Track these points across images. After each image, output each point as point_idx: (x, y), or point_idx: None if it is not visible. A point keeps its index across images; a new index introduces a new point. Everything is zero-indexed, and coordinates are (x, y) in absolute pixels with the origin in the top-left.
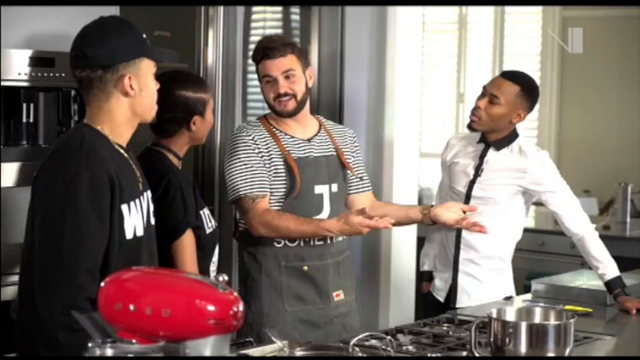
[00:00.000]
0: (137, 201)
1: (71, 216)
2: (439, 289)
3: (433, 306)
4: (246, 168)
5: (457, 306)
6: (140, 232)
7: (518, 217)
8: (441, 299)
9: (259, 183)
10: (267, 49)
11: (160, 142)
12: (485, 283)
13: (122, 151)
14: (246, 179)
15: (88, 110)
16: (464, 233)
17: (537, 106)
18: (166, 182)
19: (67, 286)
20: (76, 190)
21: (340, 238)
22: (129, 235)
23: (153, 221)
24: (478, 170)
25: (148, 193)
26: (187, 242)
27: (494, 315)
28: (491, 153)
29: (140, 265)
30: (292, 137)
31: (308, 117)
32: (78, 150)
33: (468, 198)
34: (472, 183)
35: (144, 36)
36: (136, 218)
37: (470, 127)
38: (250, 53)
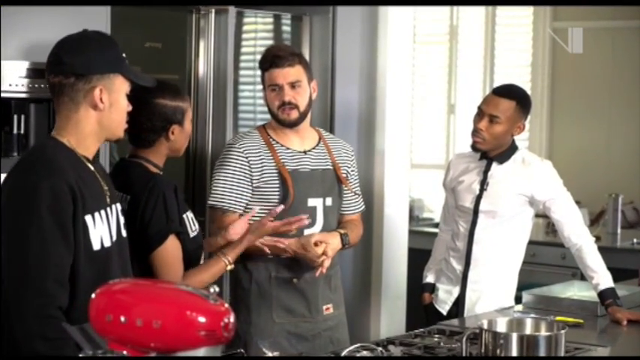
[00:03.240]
0: (103, 212)
1: (34, 227)
2: (442, 301)
3: (434, 316)
4: (228, 181)
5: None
6: (108, 243)
7: (526, 229)
8: (444, 312)
9: (235, 198)
10: (275, 58)
11: (138, 153)
12: (493, 297)
13: (88, 163)
14: (224, 191)
15: (57, 120)
16: (474, 250)
17: (528, 118)
18: (149, 190)
19: (36, 296)
20: (37, 201)
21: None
22: (96, 246)
23: (124, 234)
24: (483, 185)
25: (117, 206)
26: (169, 249)
27: (485, 326)
28: (495, 167)
29: (111, 277)
30: (288, 149)
31: (308, 129)
32: (38, 161)
33: (475, 214)
34: (479, 198)
35: (123, 55)
36: (101, 229)
37: (474, 148)
38: (241, 64)
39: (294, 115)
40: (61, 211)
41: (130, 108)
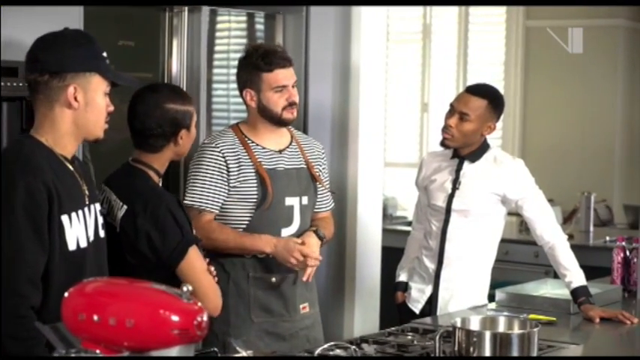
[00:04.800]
0: (80, 212)
1: (8, 226)
2: (415, 300)
3: (407, 315)
4: (204, 181)
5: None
6: (84, 244)
7: (498, 228)
8: (417, 311)
9: (211, 198)
10: (280, 59)
11: (142, 158)
12: (465, 296)
13: (67, 162)
14: (198, 191)
15: (35, 119)
16: (447, 248)
17: (500, 119)
18: (151, 209)
19: (9, 296)
20: (12, 200)
21: None
22: (71, 247)
23: (102, 234)
24: (455, 184)
25: (96, 206)
26: (193, 258)
27: (459, 324)
28: (467, 166)
29: (85, 278)
30: (264, 148)
31: (282, 129)
32: (15, 160)
33: (448, 212)
34: (451, 197)
35: (103, 54)
36: (78, 229)
37: (443, 144)
38: (215, 63)
39: (296, 114)
40: (36, 211)
41: (111, 108)
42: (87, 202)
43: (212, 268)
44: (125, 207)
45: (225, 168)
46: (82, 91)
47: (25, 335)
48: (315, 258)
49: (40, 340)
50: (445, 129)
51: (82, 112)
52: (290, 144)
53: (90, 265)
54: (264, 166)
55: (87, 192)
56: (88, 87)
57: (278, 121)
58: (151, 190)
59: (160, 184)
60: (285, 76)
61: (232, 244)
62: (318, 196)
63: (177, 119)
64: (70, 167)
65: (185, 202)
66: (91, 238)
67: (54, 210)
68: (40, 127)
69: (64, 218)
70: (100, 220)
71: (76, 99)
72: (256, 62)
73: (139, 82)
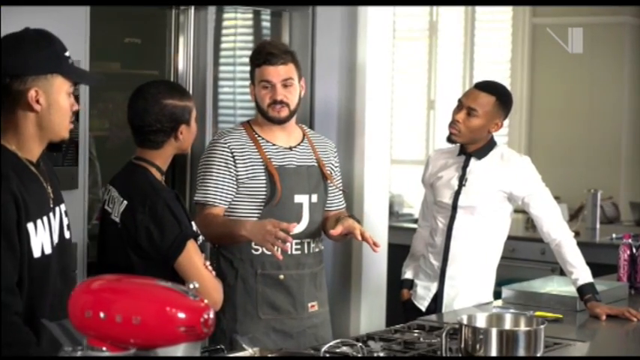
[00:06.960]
0: (45, 218)
1: None
2: (421, 297)
3: (413, 313)
4: (211, 177)
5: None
6: (48, 250)
7: (504, 225)
8: (423, 308)
9: (218, 192)
10: (269, 55)
11: (143, 155)
12: (471, 293)
13: (32, 167)
14: (205, 186)
15: (1, 124)
16: (452, 246)
17: (507, 117)
18: (150, 204)
19: None
20: None
21: (317, 249)
22: (36, 254)
23: (67, 235)
24: (462, 181)
25: (62, 208)
26: (192, 252)
27: (465, 321)
28: (474, 162)
29: (49, 283)
30: (274, 145)
31: (293, 126)
32: None
33: (454, 209)
34: (457, 194)
35: (65, 54)
36: (43, 236)
37: (450, 140)
38: (221, 60)
39: (285, 113)
40: (5, 220)
41: (76, 107)
42: (52, 205)
43: (207, 263)
44: (125, 202)
45: (232, 162)
46: (43, 93)
47: (18, 339)
48: (285, 227)
49: (32, 340)
50: (452, 124)
51: (46, 114)
52: (301, 141)
53: (53, 269)
54: (274, 163)
55: (52, 195)
56: (50, 89)
57: (267, 118)
58: (149, 185)
59: (163, 181)
60: (269, 72)
61: (220, 232)
62: (330, 194)
63: (176, 114)
64: (35, 171)
65: (195, 198)
66: (56, 242)
67: (21, 218)
68: (4, 131)
69: (30, 226)
70: (66, 221)
71: (38, 102)
72: (251, 56)
73: (104, 80)
